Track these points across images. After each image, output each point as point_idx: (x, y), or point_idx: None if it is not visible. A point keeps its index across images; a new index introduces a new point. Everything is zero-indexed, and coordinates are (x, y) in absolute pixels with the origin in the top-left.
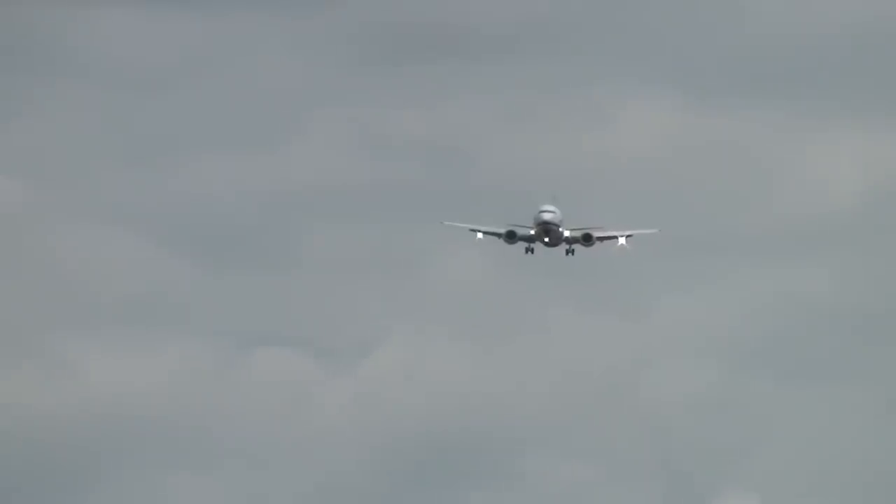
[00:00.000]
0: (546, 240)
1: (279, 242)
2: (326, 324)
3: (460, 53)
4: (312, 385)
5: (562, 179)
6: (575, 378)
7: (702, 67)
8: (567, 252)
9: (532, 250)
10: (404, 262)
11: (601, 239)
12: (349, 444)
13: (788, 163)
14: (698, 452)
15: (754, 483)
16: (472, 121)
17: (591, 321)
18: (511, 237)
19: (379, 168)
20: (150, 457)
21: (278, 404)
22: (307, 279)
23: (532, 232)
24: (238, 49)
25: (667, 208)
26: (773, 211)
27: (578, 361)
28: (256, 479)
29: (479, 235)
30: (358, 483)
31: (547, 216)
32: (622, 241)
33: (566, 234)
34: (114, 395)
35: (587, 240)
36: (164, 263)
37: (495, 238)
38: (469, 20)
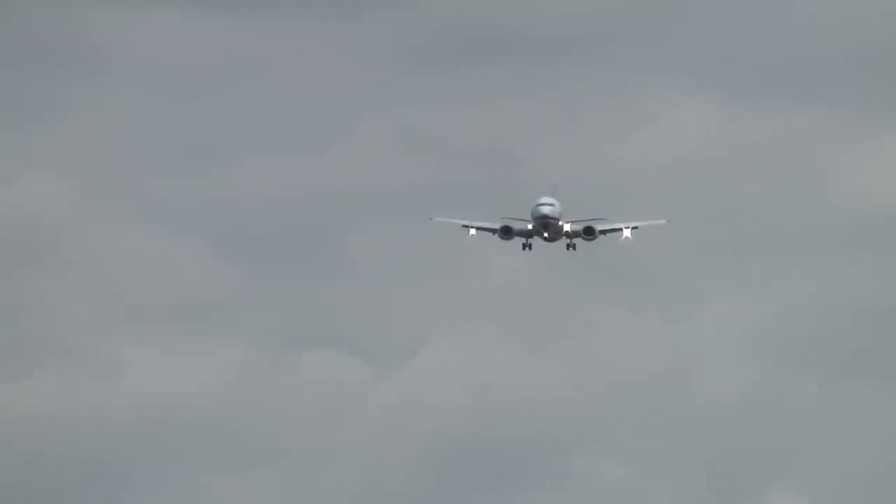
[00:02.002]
0: (545, 234)
1: (328, 245)
2: (373, 326)
3: (509, 56)
4: (357, 387)
5: (607, 180)
6: (618, 380)
7: (745, 67)
8: (568, 247)
9: (530, 246)
10: (453, 264)
11: (604, 232)
12: (393, 445)
13: (831, 162)
14: (743, 454)
15: (799, 484)
16: (521, 123)
17: (631, 321)
18: (506, 233)
19: (429, 170)
20: (193, 459)
21: (322, 406)
22: (354, 282)
23: (529, 226)
24: (286, 52)
25: (708, 207)
26: (816, 210)
27: (621, 363)
28: (301, 481)
29: (472, 232)
30: (401, 485)
31: (546, 209)
32: (627, 233)
33: (566, 227)
34: (159, 398)
35: (589, 233)
36: (211, 266)
37: (489, 234)
38: (516, 23)
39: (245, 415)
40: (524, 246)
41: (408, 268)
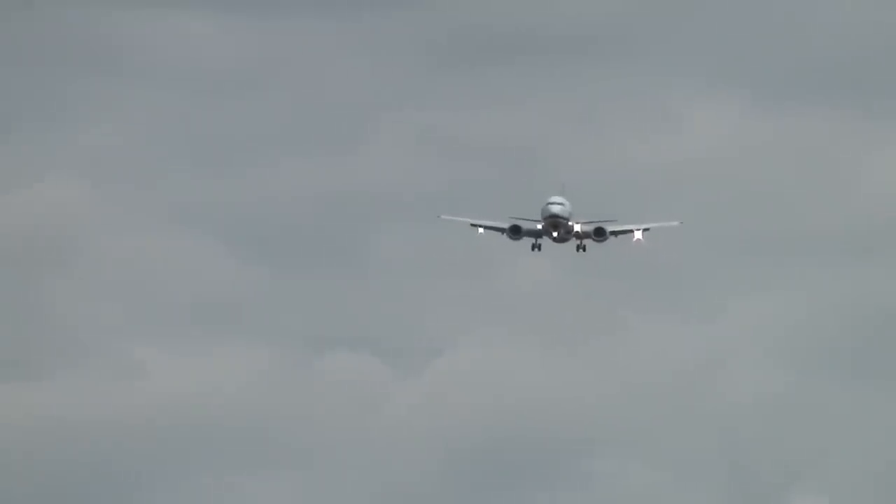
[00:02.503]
0: (554, 234)
1: (347, 245)
2: (393, 327)
3: (526, 56)
4: (377, 387)
5: (624, 181)
6: (638, 382)
7: (770, 69)
8: (578, 248)
9: (539, 246)
10: (471, 265)
11: (615, 233)
12: (416, 446)
13: (851, 163)
14: (763, 455)
15: (822, 485)
16: (538, 123)
17: (652, 322)
18: (515, 232)
19: (447, 171)
20: (215, 460)
21: (344, 407)
22: (374, 283)
23: (539, 226)
24: (304, 54)
25: (726, 208)
26: (842, 212)
27: (641, 364)
28: (323, 481)
29: (481, 231)
30: (425, 486)
31: (556, 209)
32: (638, 235)
33: (576, 227)
34: (182, 399)
35: (600, 234)
36: (234, 266)
37: (498, 234)
38: (533, 23)
39: (267, 416)
40: (533, 246)
41: (426, 268)
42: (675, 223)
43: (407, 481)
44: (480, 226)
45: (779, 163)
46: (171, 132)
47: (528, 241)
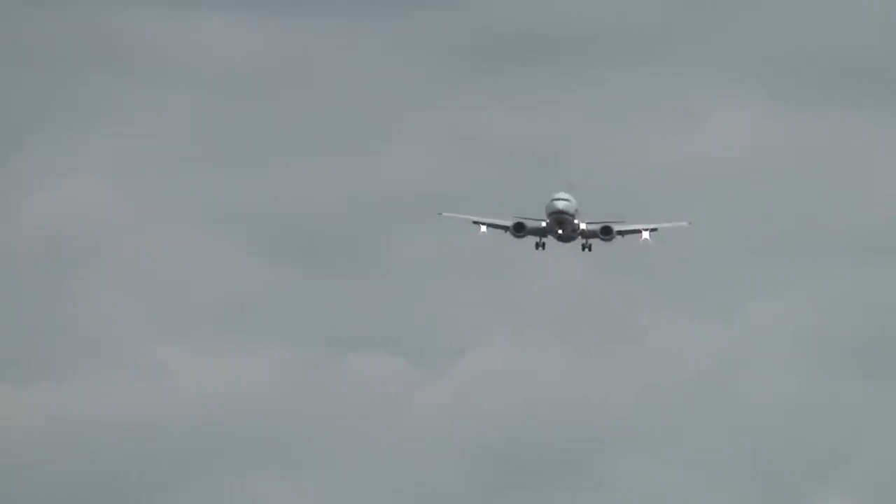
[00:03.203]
0: (559, 231)
1: (373, 246)
2: (422, 328)
3: (554, 57)
4: (402, 388)
5: (651, 182)
6: (669, 384)
7: (792, 70)
8: (583, 247)
9: (543, 245)
10: (498, 265)
11: (622, 233)
12: (442, 448)
13: (878, 166)
14: (790, 457)
15: (848, 486)
16: (566, 124)
17: (676, 323)
18: (519, 230)
19: (473, 172)
20: (245, 462)
21: (370, 408)
22: (402, 283)
23: (543, 223)
24: (331, 53)
25: (756, 210)
26: (863, 213)
27: (672, 366)
28: (350, 483)
29: (483, 229)
30: (451, 489)
31: (561, 204)
32: (645, 235)
33: (582, 226)
34: (209, 399)
35: (606, 233)
36: (257, 266)
37: (501, 231)
38: (562, 24)
39: (292, 417)
40: (537, 245)
41: (447, 269)
42: (684, 224)
43: (428, 482)
44: (483, 223)
45: (799, 164)
46: (193, 132)
47: (531, 241)
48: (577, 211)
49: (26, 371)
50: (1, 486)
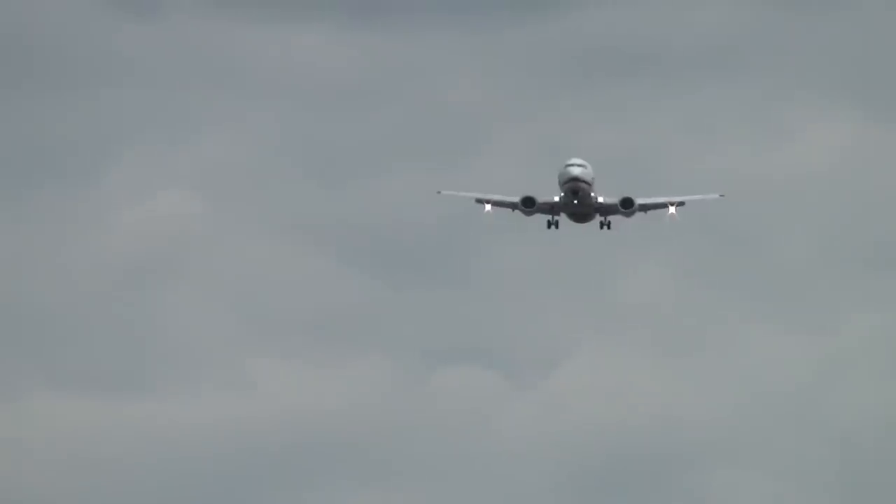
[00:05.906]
0: (575, 203)
1: (462, 257)
2: (512, 340)
3: (645, 72)
4: (494, 401)
5: (738, 195)
6: (761, 395)
7: (884, 84)
8: (602, 225)
9: (556, 224)
10: (585, 275)
11: (644, 208)
12: (531, 460)
13: None
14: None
15: None
16: (655, 137)
17: (776, 336)
18: (529, 205)
19: None
20: (337, 475)
21: (459, 419)
22: (490, 295)
23: (556, 199)
24: (429, 68)
25: (843, 224)
26: None
27: (768, 378)
28: (444, 497)
29: (487, 208)
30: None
31: (576, 171)
32: (672, 210)
33: (599, 199)
34: (301, 415)
35: (627, 206)
36: (347, 278)
37: (508, 210)
38: (651, 40)
39: (382, 429)
40: (549, 224)
41: (545, 278)
42: (716, 195)
43: (521, 494)
44: (487, 201)
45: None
46: (288, 145)
47: (543, 220)
48: (593, 179)
49: (121, 385)
50: (96, 499)
